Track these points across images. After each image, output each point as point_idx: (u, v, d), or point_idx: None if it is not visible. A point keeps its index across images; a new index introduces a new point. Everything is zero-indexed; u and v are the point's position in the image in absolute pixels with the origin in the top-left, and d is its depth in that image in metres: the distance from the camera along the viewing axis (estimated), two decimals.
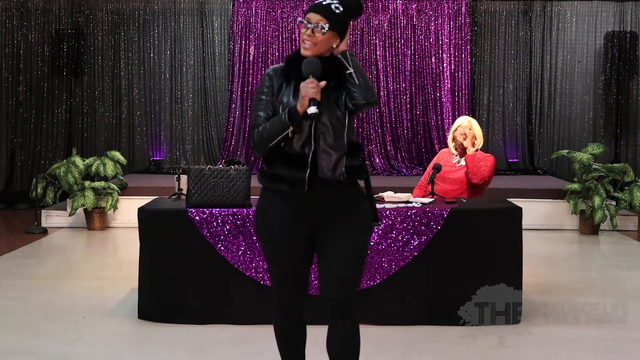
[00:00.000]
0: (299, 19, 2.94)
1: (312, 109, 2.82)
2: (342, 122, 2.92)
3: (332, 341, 3.04)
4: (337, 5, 2.89)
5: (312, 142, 2.89)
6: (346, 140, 2.93)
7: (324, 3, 2.90)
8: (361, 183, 3.04)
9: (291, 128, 2.84)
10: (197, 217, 4.54)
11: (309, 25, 2.88)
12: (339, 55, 2.91)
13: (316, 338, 3.30)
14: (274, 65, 3.02)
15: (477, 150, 5.35)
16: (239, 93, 10.15)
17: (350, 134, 2.96)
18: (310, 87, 2.82)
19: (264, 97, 2.96)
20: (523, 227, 4.72)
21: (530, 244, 6.20)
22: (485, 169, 5.27)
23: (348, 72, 2.89)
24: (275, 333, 3.17)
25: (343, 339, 3.02)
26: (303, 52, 2.91)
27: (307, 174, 2.88)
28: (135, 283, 4.75)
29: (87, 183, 8.12)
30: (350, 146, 2.94)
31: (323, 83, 2.85)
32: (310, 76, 2.85)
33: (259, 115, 2.94)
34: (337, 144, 2.91)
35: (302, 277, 3.07)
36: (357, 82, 2.89)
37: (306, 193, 2.90)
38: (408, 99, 10.20)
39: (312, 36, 2.88)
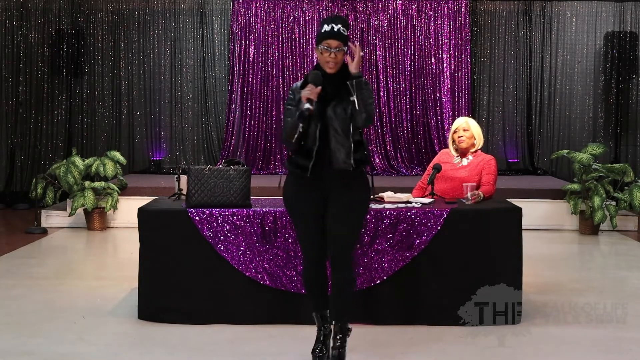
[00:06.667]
0: (321, 46, 3.70)
1: (306, 105, 3.64)
2: (347, 125, 3.71)
3: (331, 289, 3.86)
4: (343, 29, 3.71)
5: (317, 141, 3.71)
6: (352, 139, 3.72)
7: (335, 29, 3.68)
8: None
9: (300, 125, 3.67)
10: (197, 217, 4.54)
11: (332, 50, 3.69)
12: (348, 83, 3.68)
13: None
14: (296, 83, 3.88)
15: (477, 150, 5.34)
16: (238, 93, 10.15)
17: (355, 134, 3.74)
18: (305, 91, 3.68)
19: (290, 107, 3.77)
20: (523, 227, 4.72)
21: (530, 244, 6.20)
22: (492, 184, 5.22)
23: (352, 99, 3.66)
24: (304, 285, 4.03)
25: (338, 286, 3.79)
26: (329, 70, 3.72)
27: (311, 163, 3.72)
28: (135, 283, 4.75)
29: (87, 183, 8.12)
30: (356, 143, 3.74)
31: (319, 89, 3.68)
32: (310, 85, 3.70)
33: (287, 121, 3.77)
34: (345, 142, 3.70)
35: (318, 239, 3.84)
36: (357, 109, 3.67)
37: (313, 176, 3.73)
38: (408, 99, 10.20)
39: (335, 57, 3.70)
